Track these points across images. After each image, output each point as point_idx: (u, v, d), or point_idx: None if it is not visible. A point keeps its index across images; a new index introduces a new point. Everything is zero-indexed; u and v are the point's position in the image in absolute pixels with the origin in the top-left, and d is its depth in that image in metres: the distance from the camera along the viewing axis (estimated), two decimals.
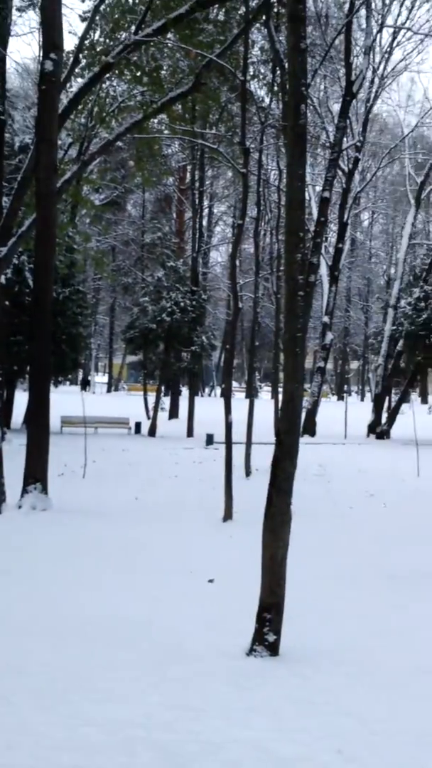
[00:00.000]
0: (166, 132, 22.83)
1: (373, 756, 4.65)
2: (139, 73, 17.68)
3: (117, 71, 17.16)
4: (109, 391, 63.72)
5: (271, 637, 6.36)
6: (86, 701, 5.27)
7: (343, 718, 5.19)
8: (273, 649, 6.35)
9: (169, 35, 17.12)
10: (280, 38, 20.12)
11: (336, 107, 31.87)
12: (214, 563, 9.59)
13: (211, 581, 8.77)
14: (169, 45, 17.81)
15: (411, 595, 8.53)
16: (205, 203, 43.53)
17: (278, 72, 20.67)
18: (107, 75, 16.75)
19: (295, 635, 6.58)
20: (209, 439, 25.02)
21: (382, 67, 33.16)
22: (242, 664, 6.16)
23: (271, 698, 5.49)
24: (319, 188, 32.38)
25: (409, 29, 32.38)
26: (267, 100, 22.59)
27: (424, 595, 8.58)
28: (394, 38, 32.90)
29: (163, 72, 19.27)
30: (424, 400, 58.98)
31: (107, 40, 17.52)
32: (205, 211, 45.55)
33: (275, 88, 21.43)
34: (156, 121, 21.31)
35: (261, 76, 24.68)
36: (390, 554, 10.62)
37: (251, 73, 22.68)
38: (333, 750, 4.70)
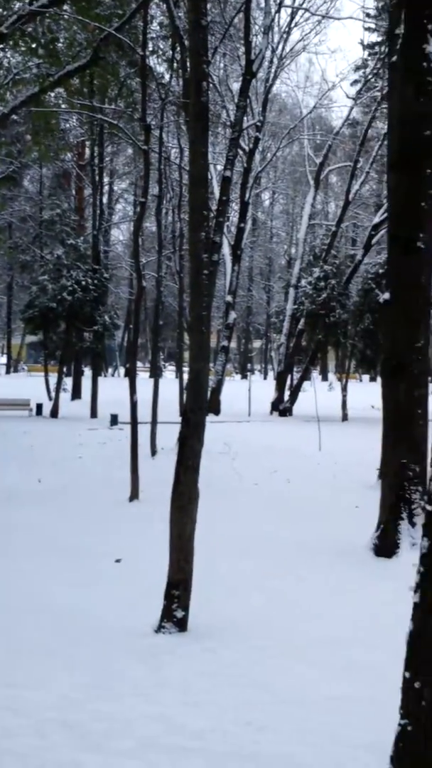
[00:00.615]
0: (63, 106, 22.32)
1: (283, 724, 4.78)
2: (34, 45, 17.22)
3: (11, 42, 16.62)
4: (8, 372, 62.14)
5: (179, 613, 6.42)
6: None
7: (251, 690, 5.31)
8: (181, 625, 6.41)
9: (66, 7, 16.71)
10: (179, 14, 19.96)
11: (236, 86, 31.85)
12: (120, 543, 9.57)
13: (118, 561, 8.76)
14: (66, 17, 17.37)
15: (310, 567, 8.76)
16: (105, 180, 42.76)
17: (178, 48, 20.52)
18: (1, 46, 16.21)
19: (202, 610, 6.66)
20: (113, 420, 24.84)
21: (280, 47, 33.38)
22: (151, 641, 6.20)
23: (180, 673, 5.56)
24: (220, 167, 32.39)
25: (306, 10, 32.67)
26: (167, 76, 22.41)
27: (321, 566, 8.83)
28: (292, 18, 33.14)
29: (59, 44, 18.81)
30: (325, 378, 60.30)
31: (1, 10, 16.94)
32: (105, 188, 44.78)
33: (175, 65, 21.26)
34: (53, 94, 20.80)
35: (161, 52, 24.47)
36: (292, 528, 10.86)
37: (150, 49, 22.44)
38: (243, 721, 4.80)
